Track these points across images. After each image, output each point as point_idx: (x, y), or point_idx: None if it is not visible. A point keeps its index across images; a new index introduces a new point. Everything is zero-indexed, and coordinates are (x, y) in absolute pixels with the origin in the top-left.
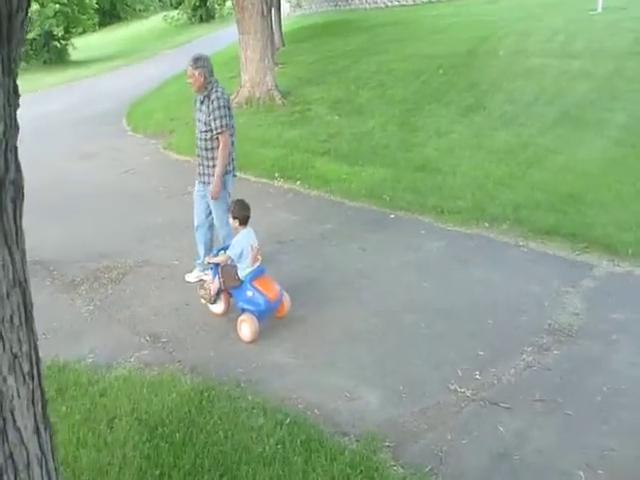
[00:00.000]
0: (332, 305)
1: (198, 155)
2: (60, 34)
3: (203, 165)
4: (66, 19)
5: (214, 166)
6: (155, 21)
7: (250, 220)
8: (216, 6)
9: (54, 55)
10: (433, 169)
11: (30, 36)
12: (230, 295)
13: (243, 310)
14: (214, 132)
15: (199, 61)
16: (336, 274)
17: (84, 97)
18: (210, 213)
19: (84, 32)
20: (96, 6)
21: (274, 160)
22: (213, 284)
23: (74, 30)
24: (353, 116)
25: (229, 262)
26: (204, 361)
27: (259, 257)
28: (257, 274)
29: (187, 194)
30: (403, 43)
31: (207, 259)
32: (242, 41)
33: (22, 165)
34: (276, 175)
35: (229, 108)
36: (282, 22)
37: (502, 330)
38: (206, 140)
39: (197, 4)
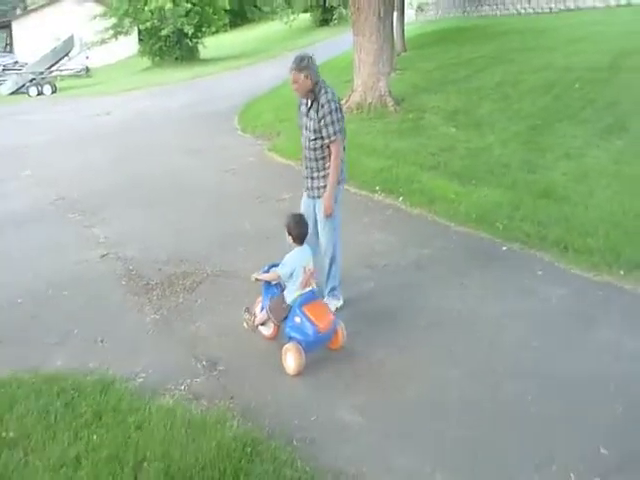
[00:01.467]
0: (418, 353)
1: (306, 167)
2: (190, 32)
3: (312, 178)
4: (200, 18)
5: (324, 177)
6: (281, 24)
7: (343, 236)
8: (339, 7)
9: (185, 52)
10: (559, 197)
11: (164, 33)
12: None
13: (290, 338)
14: (325, 140)
15: (303, 61)
16: (428, 314)
17: (205, 94)
18: None
19: (216, 32)
20: (227, 7)
21: (377, 172)
22: (260, 315)
23: (206, 30)
24: (470, 129)
25: (280, 282)
26: (258, 403)
27: (312, 282)
28: (308, 299)
29: (281, 201)
30: (534, 53)
31: (254, 275)
32: (356, 43)
33: (131, 153)
34: (377, 188)
35: (341, 110)
36: (405, 27)
37: (637, 420)
38: (316, 150)
39: (311, 4)
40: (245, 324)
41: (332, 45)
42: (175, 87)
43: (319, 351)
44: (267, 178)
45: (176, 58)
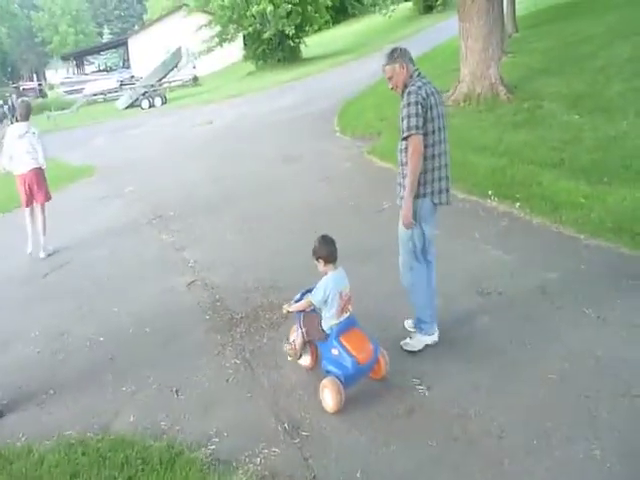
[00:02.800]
0: (549, 421)
1: (399, 172)
2: (292, 33)
3: (399, 184)
4: (302, 19)
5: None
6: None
7: (449, 253)
8: None
9: (287, 53)
10: None
11: (266, 36)
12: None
13: (327, 372)
14: (402, 135)
15: (395, 52)
16: (558, 360)
17: (306, 95)
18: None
19: (319, 30)
20: (329, 3)
21: (489, 172)
22: (298, 336)
23: (308, 29)
24: (598, 115)
25: (315, 308)
26: None
27: (350, 307)
28: (345, 327)
29: (381, 212)
30: None
31: (285, 307)
32: (462, 29)
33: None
34: (490, 193)
35: (426, 107)
36: (516, 4)
37: None
38: (401, 151)
39: None
40: (289, 357)
41: (436, 32)
42: (277, 90)
43: (425, 411)
44: (364, 185)
45: (278, 60)
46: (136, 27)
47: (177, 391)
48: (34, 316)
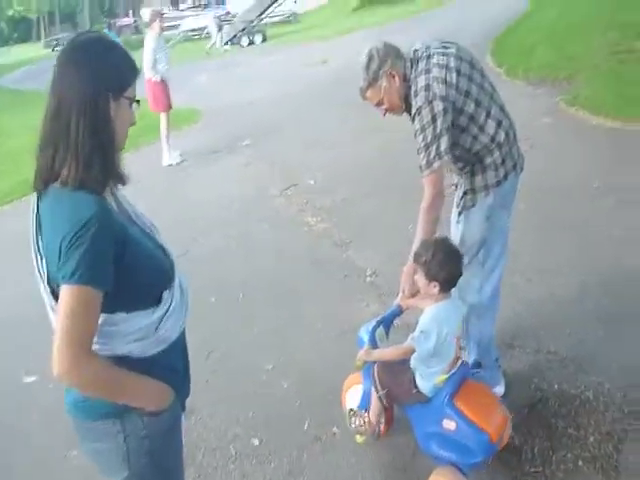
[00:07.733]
0: None
1: None
2: None
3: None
4: None
5: (471, 174)
6: None
7: None
8: None
9: None
10: None
11: None
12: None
13: (436, 458)
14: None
15: (372, 62)
16: None
17: (434, 30)
18: None
19: None
20: None
21: None
22: (373, 405)
23: None
24: None
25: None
26: None
27: (460, 352)
28: (458, 382)
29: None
30: None
31: (361, 355)
32: None
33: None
34: None
35: (449, 95)
36: None
37: None
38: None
39: None
40: (358, 437)
41: None
42: (395, 25)
43: None
44: (590, 154)
45: None
46: None
47: None
48: None
